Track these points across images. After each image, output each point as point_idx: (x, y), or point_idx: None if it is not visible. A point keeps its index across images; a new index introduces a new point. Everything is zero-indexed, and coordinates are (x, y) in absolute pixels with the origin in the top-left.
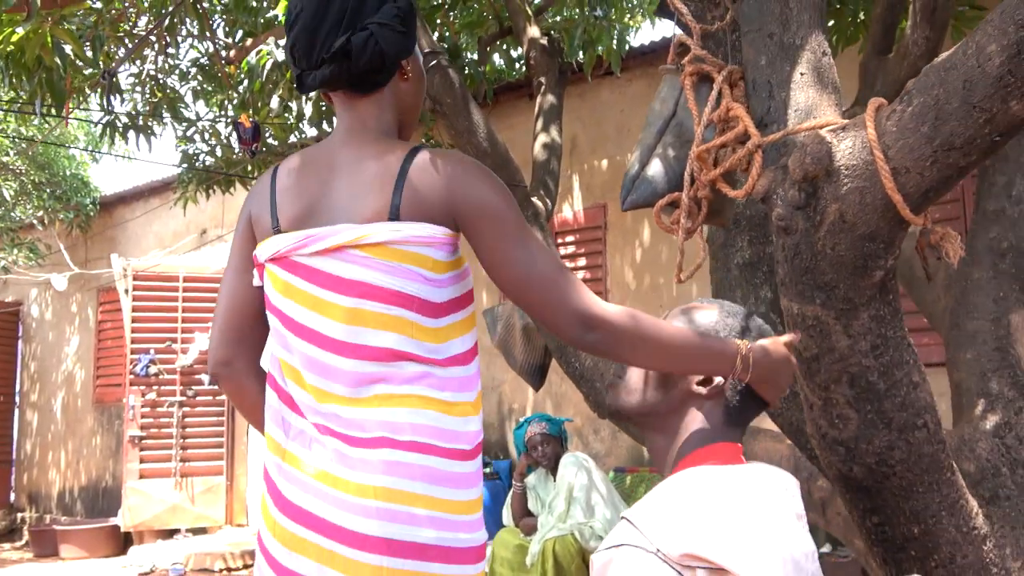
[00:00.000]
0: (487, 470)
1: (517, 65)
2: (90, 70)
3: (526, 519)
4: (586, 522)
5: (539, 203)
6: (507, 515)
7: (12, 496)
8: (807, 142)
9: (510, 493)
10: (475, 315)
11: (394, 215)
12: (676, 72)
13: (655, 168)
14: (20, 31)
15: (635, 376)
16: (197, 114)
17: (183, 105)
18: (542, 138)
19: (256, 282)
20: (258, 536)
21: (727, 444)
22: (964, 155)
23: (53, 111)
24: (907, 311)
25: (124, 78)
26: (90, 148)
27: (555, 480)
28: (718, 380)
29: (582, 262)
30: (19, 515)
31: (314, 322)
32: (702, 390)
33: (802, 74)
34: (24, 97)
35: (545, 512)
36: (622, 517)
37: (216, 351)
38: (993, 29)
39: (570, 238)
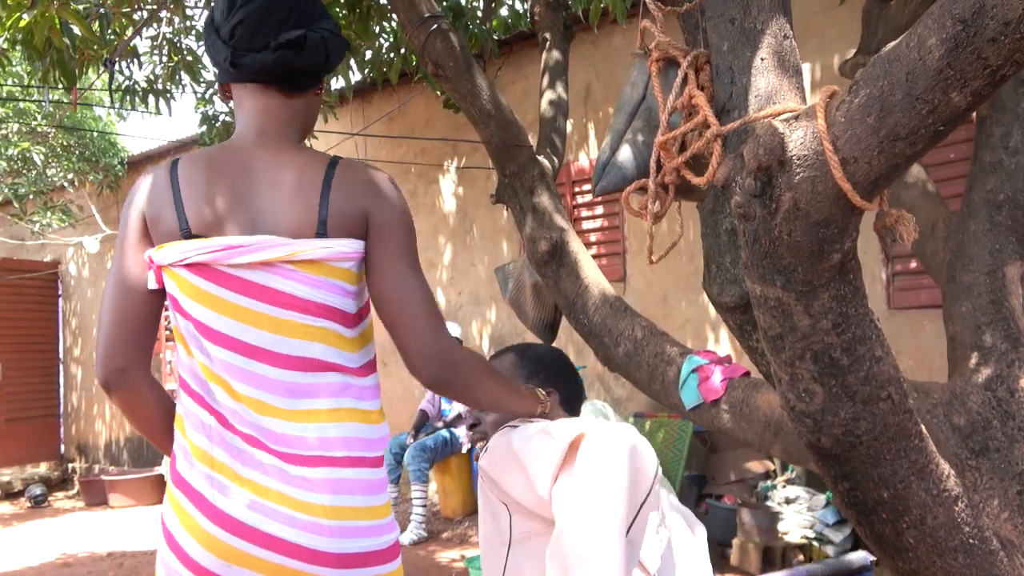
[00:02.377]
0: None
1: (527, 18)
2: (111, 36)
3: None
4: None
5: (545, 161)
6: None
7: (62, 448)
8: (761, 133)
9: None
10: (373, 324)
11: (321, 230)
12: (645, 56)
13: (624, 154)
14: (27, 17)
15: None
16: (215, 74)
17: (201, 67)
18: (548, 95)
19: (152, 285)
20: (171, 545)
21: None
22: (910, 145)
23: (62, 87)
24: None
25: (142, 42)
26: (116, 107)
27: None
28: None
29: (599, 210)
30: (70, 465)
31: (238, 331)
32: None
33: (763, 59)
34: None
35: None
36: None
37: (110, 359)
38: (933, 22)
39: (587, 187)
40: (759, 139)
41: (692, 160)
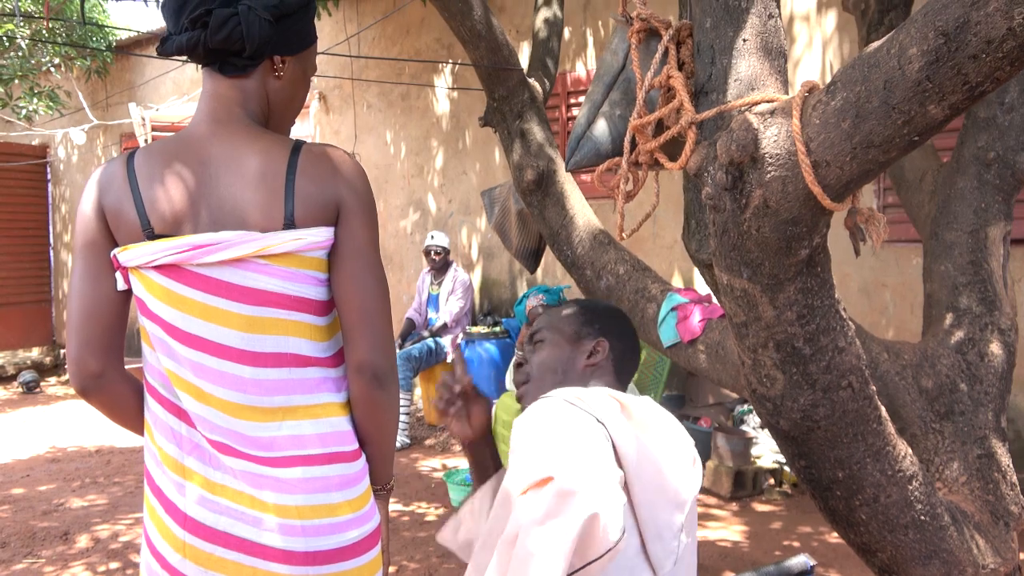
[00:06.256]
0: (497, 328)
1: None
2: None
3: None
4: None
5: (536, 84)
6: (510, 380)
7: (54, 334)
8: (735, 127)
9: (513, 359)
10: None
11: (289, 222)
12: (627, 24)
13: (600, 128)
14: None
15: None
16: None
17: None
18: (543, 12)
19: (120, 286)
20: (151, 549)
21: None
22: (883, 152)
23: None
24: None
25: None
26: None
27: None
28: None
29: None
30: (62, 351)
31: (208, 331)
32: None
33: (745, 40)
34: None
35: None
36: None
37: (84, 363)
38: (916, 31)
39: (582, 98)
40: (732, 133)
41: (668, 141)
